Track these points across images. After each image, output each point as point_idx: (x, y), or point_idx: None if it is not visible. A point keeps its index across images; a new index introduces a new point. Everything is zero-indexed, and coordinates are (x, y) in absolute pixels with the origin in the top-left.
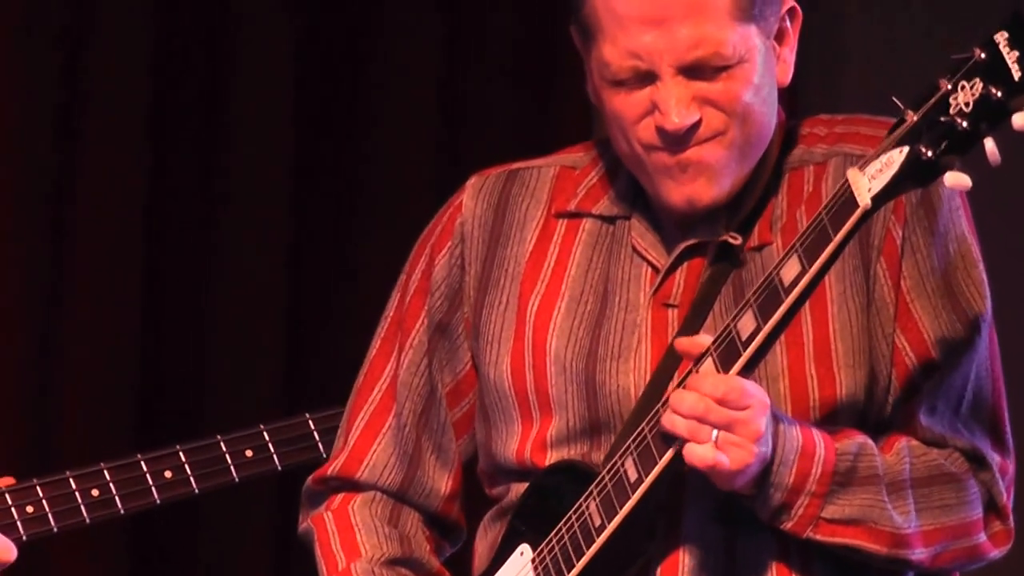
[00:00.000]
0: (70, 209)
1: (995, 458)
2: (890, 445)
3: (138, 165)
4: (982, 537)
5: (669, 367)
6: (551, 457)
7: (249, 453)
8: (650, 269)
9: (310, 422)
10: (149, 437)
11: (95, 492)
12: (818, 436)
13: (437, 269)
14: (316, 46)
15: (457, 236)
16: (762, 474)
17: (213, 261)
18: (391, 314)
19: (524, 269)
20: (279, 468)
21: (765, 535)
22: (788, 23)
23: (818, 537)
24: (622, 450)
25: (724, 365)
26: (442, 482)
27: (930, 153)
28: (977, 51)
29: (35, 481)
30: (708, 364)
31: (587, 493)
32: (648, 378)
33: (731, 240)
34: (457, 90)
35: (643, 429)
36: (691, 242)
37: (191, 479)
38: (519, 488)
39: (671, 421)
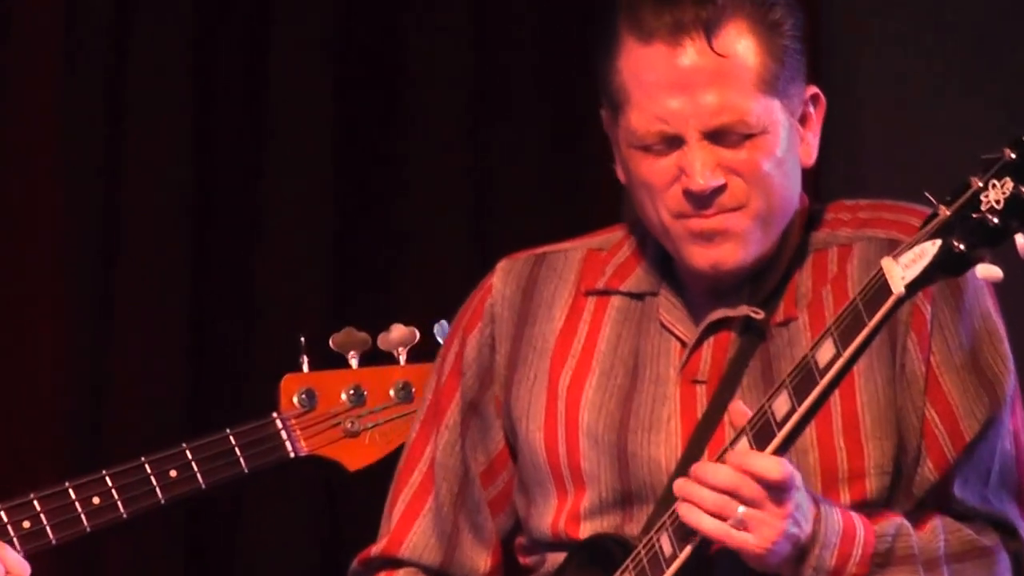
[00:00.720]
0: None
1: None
2: (924, 523)
3: (180, 196)
4: None
5: (700, 441)
6: (584, 529)
7: (173, 473)
8: (678, 343)
9: (231, 437)
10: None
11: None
12: (857, 519)
13: (468, 350)
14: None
15: (487, 317)
16: (801, 556)
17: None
18: (429, 398)
19: (553, 346)
20: (203, 486)
21: None
22: (812, 108)
23: None
24: (657, 525)
25: (759, 444)
26: (480, 560)
27: (962, 246)
28: (1007, 151)
29: None
30: (743, 443)
31: (622, 567)
32: (679, 452)
33: (753, 315)
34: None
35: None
36: (716, 317)
37: (118, 504)
38: (554, 559)
39: (699, 495)
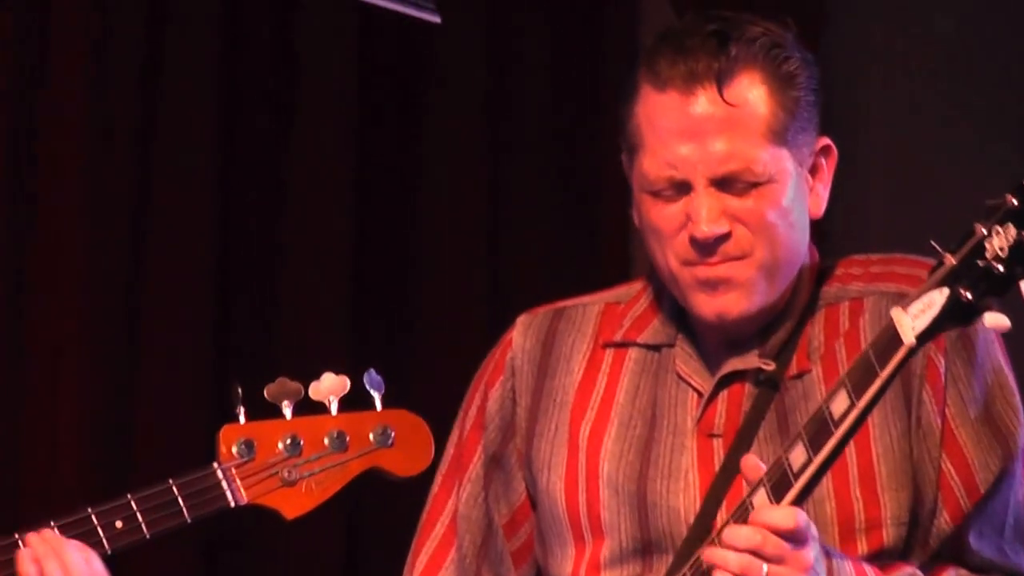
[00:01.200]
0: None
1: None
2: (938, 575)
3: (207, 227)
4: None
5: (718, 493)
6: None
7: (119, 524)
8: (695, 394)
9: (173, 488)
10: None
11: None
12: (869, 570)
13: (491, 403)
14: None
15: (508, 371)
16: None
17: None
18: (451, 451)
19: (573, 398)
20: (147, 536)
21: None
22: (823, 159)
23: None
24: None
25: (776, 495)
26: None
27: (969, 295)
28: (1009, 197)
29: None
30: (761, 494)
31: None
32: (697, 503)
33: (764, 367)
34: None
35: (698, 556)
36: (728, 370)
37: None
38: None
39: (723, 558)
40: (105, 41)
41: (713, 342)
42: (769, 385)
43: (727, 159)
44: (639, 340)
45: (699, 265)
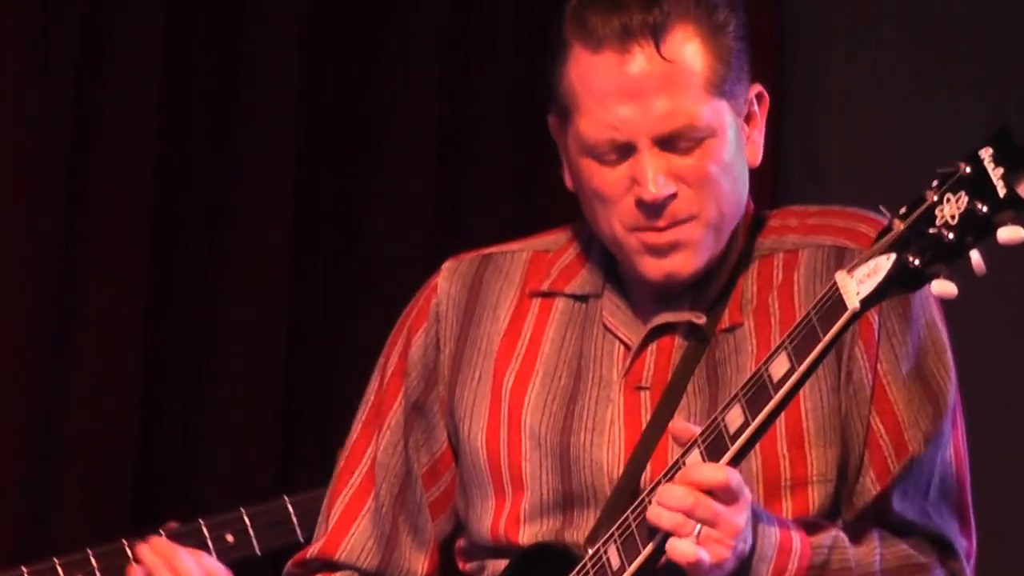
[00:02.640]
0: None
1: (962, 543)
2: (862, 536)
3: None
4: None
5: (645, 450)
6: (525, 532)
7: (230, 538)
8: (621, 346)
9: (288, 505)
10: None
11: None
12: (795, 530)
13: (413, 350)
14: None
15: (432, 317)
16: (739, 570)
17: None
18: (371, 397)
19: (498, 347)
20: (258, 552)
21: None
22: (756, 107)
23: None
24: (605, 537)
25: (712, 458)
26: (418, 563)
27: (917, 262)
28: (962, 165)
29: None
30: (695, 455)
31: None
32: (623, 455)
33: (695, 320)
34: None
35: (627, 517)
36: (658, 322)
37: None
38: (495, 566)
39: (656, 514)
40: (45, 29)
41: (643, 294)
42: (699, 338)
43: (670, 117)
44: (566, 290)
45: (647, 231)
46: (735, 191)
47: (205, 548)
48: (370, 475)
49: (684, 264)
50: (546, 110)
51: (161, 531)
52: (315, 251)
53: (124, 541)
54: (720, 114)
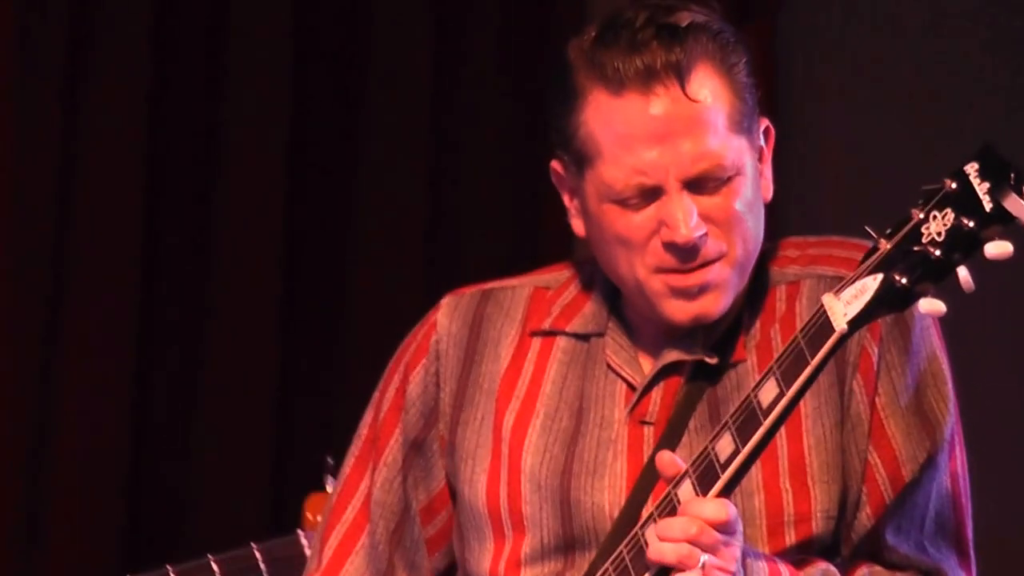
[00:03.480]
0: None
1: None
2: (852, 572)
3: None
4: None
5: (646, 485)
6: (525, 575)
7: None
8: (625, 386)
9: (256, 552)
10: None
11: None
12: (783, 567)
13: (412, 386)
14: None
15: (432, 354)
16: None
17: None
18: (364, 432)
19: (499, 386)
20: None
21: None
22: (764, 142)
23: None
24: (600, 572)
25: (702, 487)
26: None
27: (904, 281)
28: (948, 182)
29: None
30: (687, 486)
31: None
32: (624, 496)
33: (708, 360)
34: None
35: (621, 552)
36: (670, 360)
37: None
38: None
39: (659, 551)
40: (30, 24)
41: (648, 332)
42: (703, 375)
43: (699, 159)
44: (568, 329)
45: (674, 274)
46: (757, 228)
47: None
48: (364, 510)
49: (713, 305)
50: (549, 156)
51: (169, 566)
52: (306, 251)
53: None
54: (742, 152)
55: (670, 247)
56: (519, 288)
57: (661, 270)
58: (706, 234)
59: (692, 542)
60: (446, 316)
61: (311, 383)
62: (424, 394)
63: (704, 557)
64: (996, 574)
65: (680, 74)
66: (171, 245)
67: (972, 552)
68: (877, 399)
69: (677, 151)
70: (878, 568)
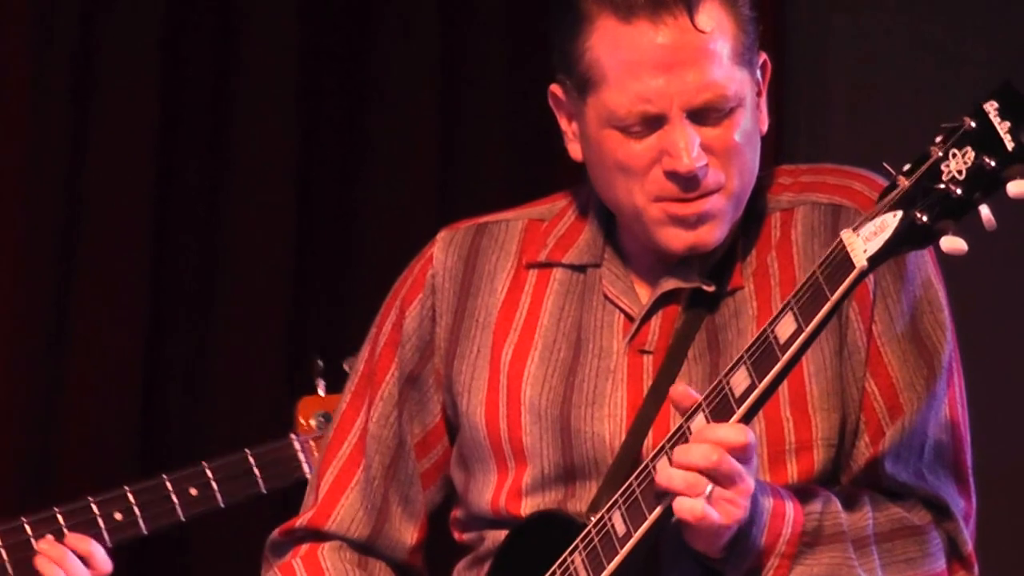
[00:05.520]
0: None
1: (959, 504)
2: (853, 500)
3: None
4: None
5: (647, 415)
6: (526, 505)
7: (193, 492)
8: (623, 316)
9: (249, 457)
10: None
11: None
12: (787, 496)
13: (408, 321)
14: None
15: (428, 288)
16: (734, 537)
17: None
18: (361, 367)
19: (495, 319)
20: (222, 505)
21: None
22: (761, 75)
23: None
24: (609, 503)
25: (717, 421)
26: (408, 534)
27: (925, 218)
28: (967, 120)
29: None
30: (700, 419)
31: (572, 547)
32: (624, 424)
33: (705, 287)
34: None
35: (631, 484)
36: (667, 288)
37: (139, 520)
38: (495, 536)
39: (667, 476)
40: (41, 32)
41: (644, 261)
42: (702, 302)
43: (703, 89)
44: (563, 260)
45: (673, 202)
46: (755, 159)
47: (171, 502)
48: (360, 446)
49: (709, 235)
50: (548, 80)
51: (165, 476)
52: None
53: (56, 509)
54: (744, 84)
55: (671, 176)
56: (513, 221)
57: (660, 199)
58: (707, 164)
59: (713, 467)
60: (441, 250)
61: (324, 325)
62: (420, 328)
63: (710, 487)
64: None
65: (689, 5)
66: (181, 243)
67: (971, 480)
68: (874, 327)
69: (682, 80)
70: (877, 496)
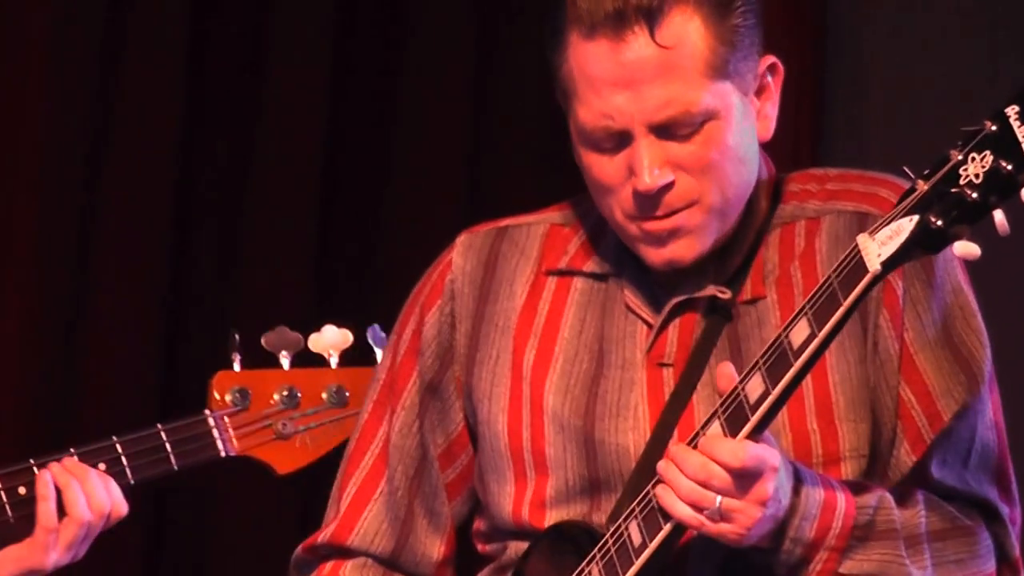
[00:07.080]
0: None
1: (1005, 509)
2: (907, 498)
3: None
4: None
5: (667, 426)
6: (550, 517)
7: (101, 467)
8: (644, 326)
9: (161, 433)
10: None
11: None
12: (840, 491)
13: (427, 328)
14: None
15: (447, 294)
16: (780, 528)
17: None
18: (382, 376)
19: (516, 324)
20: (131, 481)
21: None
22: (770, 79)
23: None
24: (626, 513)
25: (732, 429)
26: (434, 547)
27: (940, 222)
28: (987, 123)
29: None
30: (715, 427)
31: (590, 557)
32: (647, 437)
33: (719, 295)
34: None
35: (648, 492)
36: (680, 298)
37: None
38: (517, 547)
39: (676, 481)
40: (65, 22)
41: (662, 270)
42: (721, 311)
43: (665, 105)
44: (584, 269)
45: (645, 220)
46: (740, 173)
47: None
48: (383, 456)
49: (686, 250)
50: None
51: (73, 450)
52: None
53: (31, 460)
54: (723, 96)
55: (635, 194)
56: (534, 225)
57: (633, 216)
58: (673, 182)
59: (703, 483)
60: (461, 255)
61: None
62: (439, 335)
63: (719, 499)
64: None
65: (651, 18)
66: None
67: (1015, 489)
68: (905, 334)
69: (642, 97)
70: (932, 495)
